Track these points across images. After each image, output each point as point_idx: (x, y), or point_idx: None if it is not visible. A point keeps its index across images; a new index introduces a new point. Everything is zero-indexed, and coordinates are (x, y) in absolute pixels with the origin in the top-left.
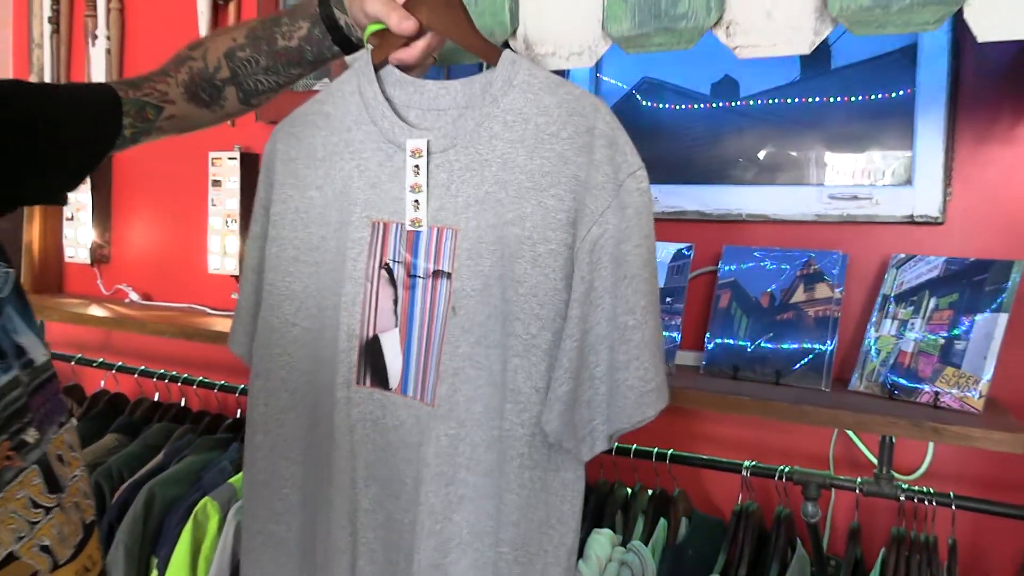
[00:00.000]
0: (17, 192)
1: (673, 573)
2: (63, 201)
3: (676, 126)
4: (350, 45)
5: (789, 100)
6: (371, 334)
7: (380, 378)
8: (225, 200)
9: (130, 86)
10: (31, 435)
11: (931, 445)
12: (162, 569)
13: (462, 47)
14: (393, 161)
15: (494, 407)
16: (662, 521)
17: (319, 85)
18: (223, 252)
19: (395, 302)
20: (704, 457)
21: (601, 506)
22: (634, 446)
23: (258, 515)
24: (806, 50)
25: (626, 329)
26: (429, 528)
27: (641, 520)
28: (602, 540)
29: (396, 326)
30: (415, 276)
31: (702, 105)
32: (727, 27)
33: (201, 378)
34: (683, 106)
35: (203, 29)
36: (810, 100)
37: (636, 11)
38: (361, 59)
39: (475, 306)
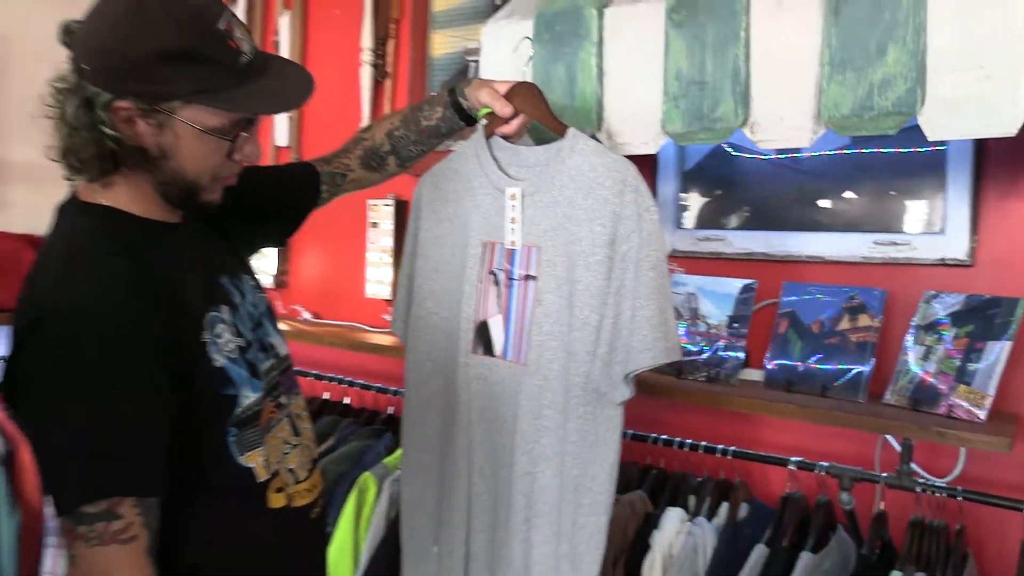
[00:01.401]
0: (260, 241)
1: (730, 544)
2: (285, 244)
3: (749, 183)
4: (471, 120)
5: (841, 157)
6: (482, 319)
7: (488, 348)
8: (380, 239)
9: (324, 162)
10: (283, 399)
11: (963, 452)
12: (332, 528)
13: (542, 125)
14: (498, 202)
15: (565, 365)
16: (724, 504)
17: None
18: (378, 281)
19: (498, 297)
20: (760, 454)
21: (676, 490)
22: (703, 443)
23: (412, 448)
24: (807, 144)
25: (636, 310)
26: (523, 448)
27: (707, 503)
28: (673, 516)
29: (500, 313)
30: (512, 279)
31: (772, 156)
32: (751, 127)
33: (362, 382)
34: (760, 155)
35: (365, 98)
36: (858, 159)
37: (685, 115)
38: (477, 132)
39: (553, 299)
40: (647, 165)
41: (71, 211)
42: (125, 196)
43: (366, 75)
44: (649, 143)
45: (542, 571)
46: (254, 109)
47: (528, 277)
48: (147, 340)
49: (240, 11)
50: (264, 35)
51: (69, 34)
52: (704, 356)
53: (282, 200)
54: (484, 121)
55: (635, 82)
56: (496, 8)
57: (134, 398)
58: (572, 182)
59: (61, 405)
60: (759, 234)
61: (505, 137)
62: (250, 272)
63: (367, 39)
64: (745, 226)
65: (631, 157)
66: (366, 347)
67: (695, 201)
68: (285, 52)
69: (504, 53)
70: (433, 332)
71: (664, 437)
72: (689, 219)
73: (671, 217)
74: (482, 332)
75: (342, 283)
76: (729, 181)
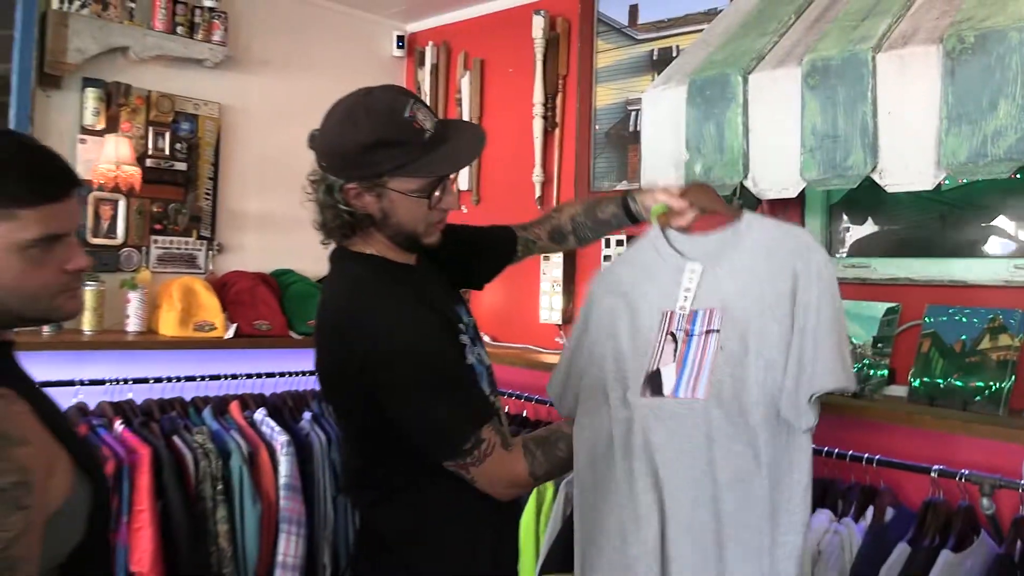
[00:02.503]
0: (465, 284)
1: (875, 543)
2: (482, 288)
3: (894, 212)
4: (635, 220)
5: (982, 185)
6: (655, 368)
7: (656, 390)
8: (552, 270)
9: (522, 228)
10: (491, 398)
11: None
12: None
13: (718, 211)
14: (675, 278)
15: (755, 401)
16: (870, 508)
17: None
18: (550, 308)
19: (675, 351)
20: (904, 462)
21: (824, 493)
22: (850, 452)
23: (580, 468)
24: (929, 187)
25: (819, 343)
26: (709, 476)
27: (854, 506)
28: (822, 516)
29: (674, 361)
30: (691, 336)
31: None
32: (879, 173)
33: (537, 397)
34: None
35: (537, 146)
36: (999, 186)
37: (820, 164)
38: (652, 228)
39: (733, 347)
40: (797, 199)
41: (343, 257)
42: (376, 246)
43: (537, 126)
44: (789, 188)
45: None
46: (438, 172)
47: (709, 332)
48: (447, 336)
49: (426, 74)
50: (448, 93)
51: (312, 140)
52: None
53: (485, 255)
54: (655, 219)
55: (776, 137)
56: (654, 63)
57: (459, 366)
58: (752, 252)
59: (424, 387)
60: (903, 260)
61: (679, 229)
62: (463, 302)
63: (538, 94)
64: (889, 253)
65: (773, 200)
66: (540, 366)
67: (841, 230)
68: (466, 108)
69: (663, 115)
70: (602, 384)
71: (813, 447)
72: (836, 247)
73: None
74: (653, 378)
75: (518, 310)
76: (874, 211)
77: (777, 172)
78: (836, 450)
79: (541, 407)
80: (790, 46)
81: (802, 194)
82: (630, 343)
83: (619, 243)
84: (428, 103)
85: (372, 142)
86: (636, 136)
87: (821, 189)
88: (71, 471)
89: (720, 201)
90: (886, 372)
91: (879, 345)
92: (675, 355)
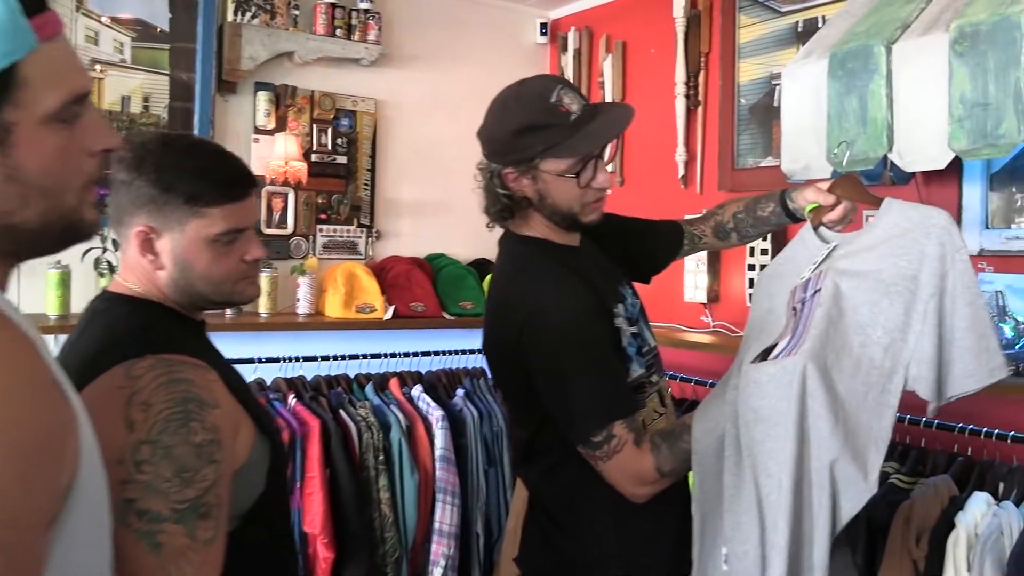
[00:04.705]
0: (635, 278)
1: None
2: (648, 281)
3: None
4: (794, 217)
5: None
6: (774, 342)
7: (764, 358)
8: None
9: (688, 224)
10: (654, 378)
11: None
12: None
13: (863, 204)
14: (810, 262)
15: (829, 361)
16: None
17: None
18: (695, 286)
19: (792, 320)
20: None
21: (982, 476)
22: (1012, 432)
23: (697, 439)
24: None
25: (955, 342)
26: (797, 435)
27: (1016, 489)
28: (979, 499)
29: (789, 335)
30: (804, 302)
31: None
32: None
33: (682, 375)
34: None
35: (679, 125)
36: None
37: (970, 134)
38: (805, 225)
39: (830, 306)
40: (954, 170)
41: (511, 241)
42: (539, 228)
43: (680, 105)
44: (936, 159)
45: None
46: (582, 151)
47: (816, 292)
48: (600, 320)
49: (569, 59)
50: (591, 77)
51: (479, 132)
52: (1013, 351)
53: (654, 247)
54: (808, 216)
55: (922, 107)
56: (799, 35)
57: (607, 354)
58: (883, 230)
59: (567, 369)
60: None
61: (830, 226)
62: (628, 283)
63: (680, 73)
64: None
65: (927, 173)
66: (686, 344)
67: (1003, 201)
68: (608, 91)
69: (803, 90)
70: (731, 368)
71: (971, 427)
72: (997, 218)
73: (978, 218)
74: (767, 350)
75: (664, 289)
76: None
77: (924, 144)
78: (996, 430)
79: (686, 384)
80: (937, 12)
81: (959, 165)
82: (762, 325)
83: (763, 252)
84: None
85: (521, 127)
86: (780, 111)
87: (971, 159)
88: (253, 432)
89: (865, 191)
90: None
91: None
92: (790, 327)
